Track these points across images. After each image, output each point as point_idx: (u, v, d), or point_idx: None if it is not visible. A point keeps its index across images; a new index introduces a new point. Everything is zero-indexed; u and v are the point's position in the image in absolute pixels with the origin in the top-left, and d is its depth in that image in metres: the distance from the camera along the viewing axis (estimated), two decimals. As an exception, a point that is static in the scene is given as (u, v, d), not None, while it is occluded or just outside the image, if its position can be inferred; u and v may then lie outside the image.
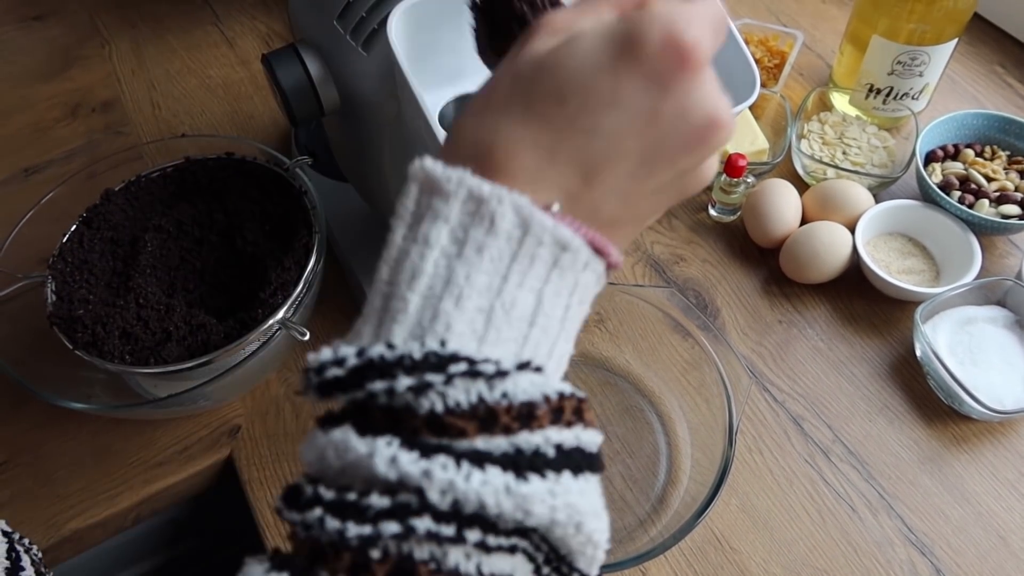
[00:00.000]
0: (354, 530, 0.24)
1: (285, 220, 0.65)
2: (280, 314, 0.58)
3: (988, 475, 0.61)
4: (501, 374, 0.25)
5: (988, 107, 0.84)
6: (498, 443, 0.25)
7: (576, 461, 0.26)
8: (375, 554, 0.24)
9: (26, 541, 0.48)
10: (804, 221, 0.73)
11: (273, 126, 0.86)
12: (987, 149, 0.75)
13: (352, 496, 0.25)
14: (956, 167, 0.74)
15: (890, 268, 0.70)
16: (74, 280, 0.62)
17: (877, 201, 0.72)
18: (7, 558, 0.44)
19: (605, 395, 0.66)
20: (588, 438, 0.28)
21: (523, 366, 0.26)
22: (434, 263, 0.26)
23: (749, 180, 0.73)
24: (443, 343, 0.25)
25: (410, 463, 0.24)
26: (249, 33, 0.97)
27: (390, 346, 0.25)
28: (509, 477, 0.25)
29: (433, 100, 0.50)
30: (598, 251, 0.29)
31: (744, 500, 0.60)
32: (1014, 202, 0.70)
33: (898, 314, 0.69)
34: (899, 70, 0.76)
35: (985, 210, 0.70)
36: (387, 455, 0.24)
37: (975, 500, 0.60)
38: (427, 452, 0.24)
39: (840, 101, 0.82)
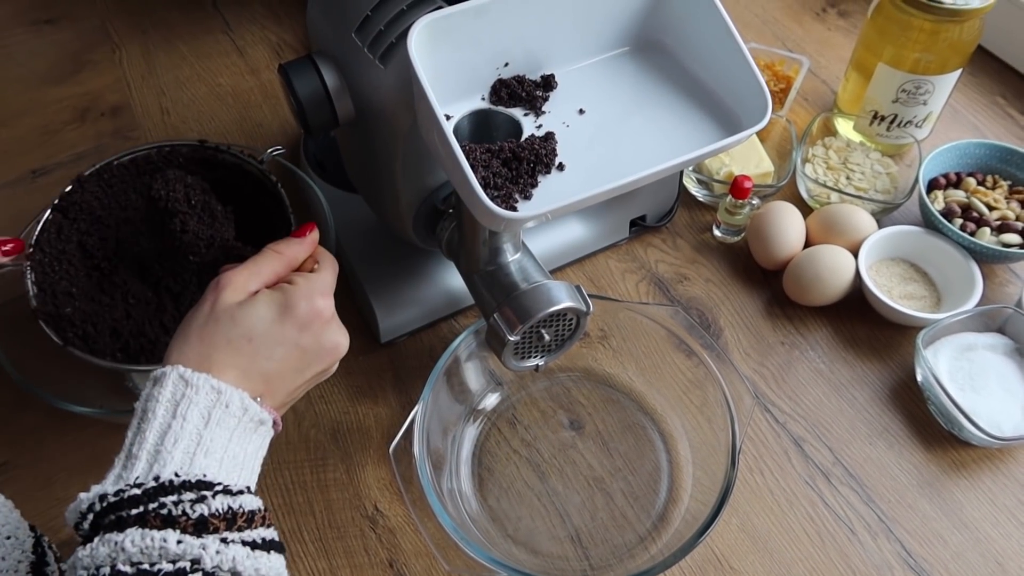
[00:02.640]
0: None
1: (263, 213, 0.64)
2: None
3: (987, 501, 0.61)
4: (241, 492, 0.41)
5: (989, 137, 0.85)
6: (236, 535, 0.39)
7: (276, 545, 0.42)
8: None
9: (46, 538, 0.48)
10: (808, 244, 0.73)
11: (282, 135, 0.87)
12: (989, 178, 0.76)
13: (146, 566, 0.36)
14: (958, 195, 0.75)
15: (892, 293, 0.70)
16: (53, 271, 0.60)
17: (880, 226, 0.73)
18: (33, 552, 0.45)
19: (608, 412, 0.66)
20: (275, 533, 0.42)
21: (249, 490, 0.42)
22: (190, 432, 0.41)
23: (754, 202, 0.74)
24: (204, 475, 0.40)
25: (192, 541, 0.38)
26: (260, 43, 0.98)
27: (176, 475, 0.40)
28: (247, 550, 0.39)
29: (448, 114, 0.51)
30: (275, 421, 0.47)
31: (744, 520, 0.61)
32: (1015, 231, 0.71)
33: (899, 339, 0.70)
34: (903, 98, 0.77)
35: (986, 238, 0.71)
36: (175, 538, 0.37)
37: (973, 526, 0.60)
38: (199, 536, 0.38)
39: (844, 127, 0.83)
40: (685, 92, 0.52)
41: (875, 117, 0.79)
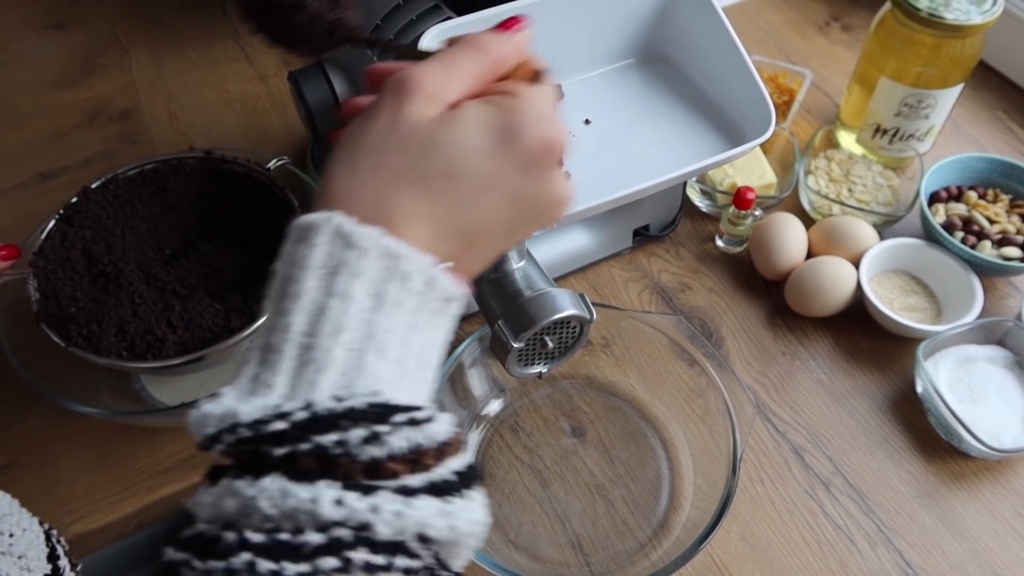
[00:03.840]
0: (291, 569, 0.25)
1: (270, 219, 0.65)
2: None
3: (986, 513, 0.62)
4: (428, 420, 0.28)
5: (990, 151, 0.86)
6: (419, 478, 0.28)
7: (468, 478, 0.30)
8: None
9: (55, 532, 0.49)
10: (809, 255, 0.74)
11: (288, 140, 0.87)
12: (990, 192, 0.77)
13: (284, 536, 0.26)
14: (959, 208, 0.75)
15: (893, 305, 0.71)
16: (57, 277, 0.61)
17: (881, 239, 0.73)
18: (46, 544, 0.45)
19: (609, 419, 0.67)
20: (457, 462, 0.30)
21: (440, 409, 0.30)
22: (355, 318, 0.29)
23: (757, 213, 0.75)
24: (377, 394, 0.28)
25: (356, 500, 0.26)
26: (268, 50, 0.98)
27: (338, 399, 0.27)
28: (438, 502, 0.28)
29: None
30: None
31: (744, 528, 0.61)
32: (1015, 245, 0.71)
33: (899, 350, 0.70)
34: (905, 112, 0.78)
35: (987, 251, 0.71)
36: (331, 497, 0.26)
37: (972, 537, 0.60)
38: (368, 491, 0.27)
39: (847, 139, 0.84)
40: (690, 104, 0.53)
41: (877, 130, 0.80)
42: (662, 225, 0.78)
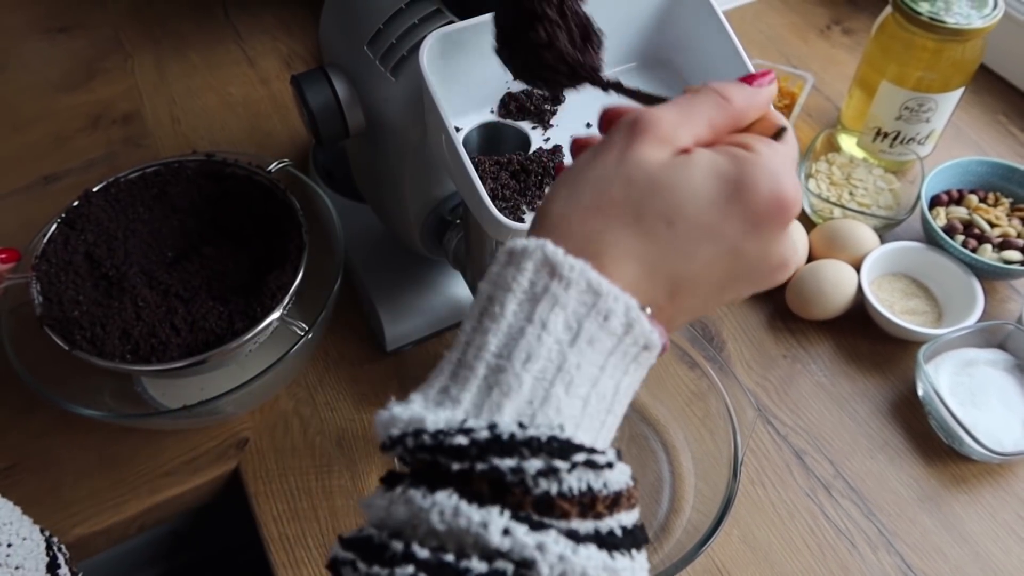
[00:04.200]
0: None
1: (272, 221, 0.65)
2: (278, 312, 0.58)
3: (987, 516, 0.62)
4: (609, 465, 0.28)
5: (991, 155, 0.86)
6: (588, 526, 0.27)
7: (636, 539, 0.29)
8: None
9: (55, 539, 0.49)
10: (811, 259, 0.74)
11: (291, 144, 0.88)
12: (990, 196, 0.77)
13: (449, 557, 0.25)
14: (960, 212, 0.75)
15: (894, 308, 0.71)
16: (60, 281, 0.61)
17: (882, 242, 0.73)
18: (47, 554, 0.45)
19: (610, 422, 0.67)
20: (627, 517, 0.29)
21: (618, 456, 0.29)
22: (548, 348, 0.28)
23: (757, 216, 0.75)
24: (561, 428, 0.27)
25: (524, 535, 0.25)
26: (270, 53, 0.99)
27: (521, 426, 0.27)
28: (604, 555, 0.26)
29: (458, 126, 0.51)
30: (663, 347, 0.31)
31: (745, 531, 0.61)
32: (1016, 248, 0.72)
33: (900, 354, 0.71)
34: (906, 115, 0.78)
35: (988, 255, 0.71)
36: (501, 525, 0.25)
37: (973, 540, 0.60)
38: (536, 527, 0.26)
39: (848, 143, 0.84)
40: (691, 107, 0.53)
41: (878, 134, 0.80)
42: (663, 228, 0.78)
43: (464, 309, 0.72)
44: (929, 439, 0.66)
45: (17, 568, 0.41)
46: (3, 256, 0.60)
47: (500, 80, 0.52)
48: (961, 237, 0.73)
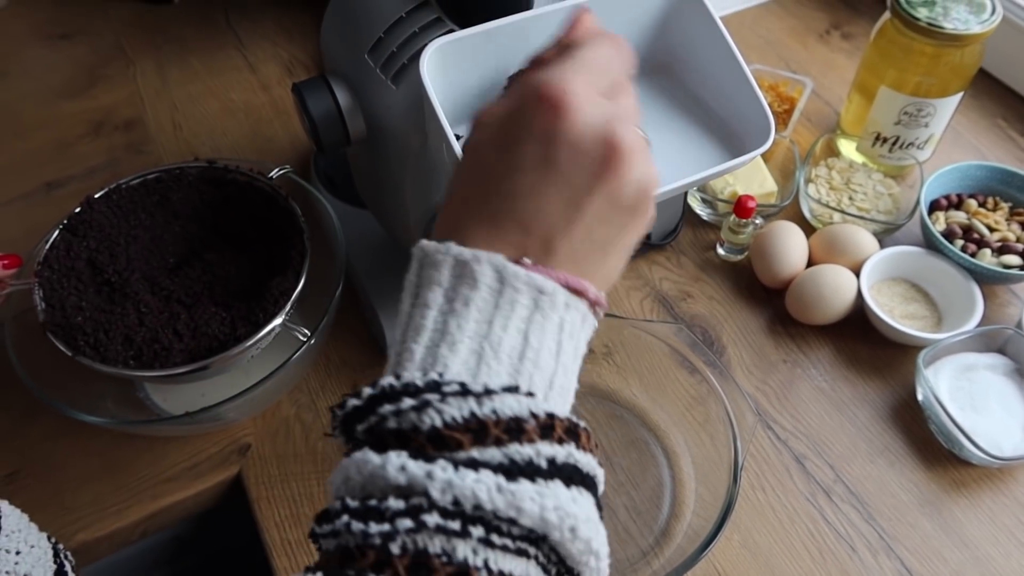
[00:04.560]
0: (375, 528, 0.28)
1: (274, 227, 0.65)
2: (281, 317, 0.59)
3: (987, 520, 0.62)
4: (488, 392, 0.30)
5: (990, 159, 0.86)
6: (492, 453, 0.29)
7: (567, 473, 0.30)
8: (395, 549, 0.28)
9: (61, 546, 0.49)
10: (810, 264, 0.74)
11: (292, 150, 0.88)
12: (990, 200, 0.77)
13: (373, 502, 0.28)
14: (959, 216, 0.76)
15: (893, 313, 0.71)
16: (62, 287, 0.61)
17: (882, 247, 0.73)
18: (54, 561, 0.45)
19: (611, 427, 0.67)
20: (583, 459, 0.31)
21: (510, 388, 0.30)
22: (432, 319, 0.32)
23: (757, 221, 0.75)
24: (440, 375, 0.30)
25: (416, 467, 0.28)
26: (271, 60, 0.99)
27: (397, 377, 0.30)
28: (500, 478, 0.28)
29: (458, 134, 0.52)
30: (577, 292, 0.33)
31: (746, 536, 0.61)
32: (1015, 252, 0.72)
33: (900, 358, 0.71)
34: (905, 120, 0.78)
35: (987, 259, 0.72)
36: (397, 463, 0.28)
37: (973, 545, 0.61)
38: (430, 459, 0.28)
39: (847, 148, 0.84)
40: (690, 114, 0.53)
41: (877, 139, 0.81)
42: (663, 234, 0.79)
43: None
44: (929, 443, 0.66)
45: None
46: (5, 262, 0.60)
47: (500, 88, 0.52)
48: (960, 242, 0.73)
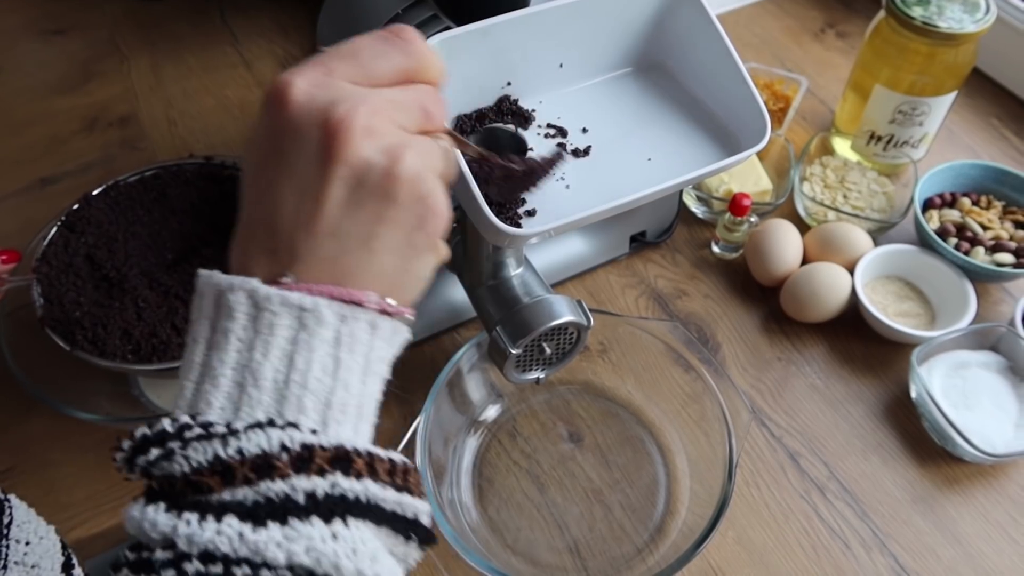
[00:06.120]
0: None
1: None
2: None
3: (979, 517, 0.62)
4: (232, 433, 0.29)
5: (984, 158, 0.86)
6: (244, 493, 0.28)
7: (328, 507, 0.28)
8: None
9: (65, 540, 0.49)
10: (805, 261, 0.75)
11: (287, 147, 0.88)
12: (983, 199, 0.77)
13: (146, 554, 0.28)
14: (953, 215, 0.76)
15: (887, 310, 0.71)
16: (60, 283, 0.61)
17: (876, 245, 0.74)
18: (62, 553, 0.45)
19: (606, 424, 0.67)
20: (354, 487, 0.29)
21: (259, 424, 0.29)
22: (200, 354, 0.31)
23: (752, 219, 0.75)
24: (195, 416, 0.29)
25: (164, 522, 0.28)
26: (266, 56, 0.99)
27: (150, 426, 0.30)
28: (246, 526, 0.27)
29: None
30: (352, 302, 0.31)
31: (740, 533, 0.61)
32: (1008, 251, 0.72)
33: (893, 356, 0.71)
34: (900, 119, 0.78)
35: (980, 257, 0.72)
36: (152, 519, 0.28)
37: (966, 541, 0.61)
38: (181, 510, 0.28)
39: (842, 146, 0.84)
40: (686, 112, 0.53)
41: (872, 137, 0.81)
42: (658, 231, 0.79)
43: (460, 312, 0.72)
44: (922, 441, 0.66)
45: (33, 567, 0.42)
46: (4, 257, 0.60)
47: (496, 85, 0.52)
48: (954, 240, 0.74)
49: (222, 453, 0.28)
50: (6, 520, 0.42)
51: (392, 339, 0.34)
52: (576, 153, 0.51)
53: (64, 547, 0.46)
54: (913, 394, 0.67)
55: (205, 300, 0.32)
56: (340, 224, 0.31)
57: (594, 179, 0.50)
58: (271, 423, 0.29)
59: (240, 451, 0.28)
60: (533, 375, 0.60)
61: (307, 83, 0.31)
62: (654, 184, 0.47)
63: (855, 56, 0.81)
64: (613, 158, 0.51)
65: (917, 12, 0.72)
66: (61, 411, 0.57)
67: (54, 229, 0.63)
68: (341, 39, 0.57)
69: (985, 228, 0.75)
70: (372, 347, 0.32)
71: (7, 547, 0.41)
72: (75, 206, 0.64)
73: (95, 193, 0.65)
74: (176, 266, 0.65)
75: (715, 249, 0.78)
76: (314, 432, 0.30)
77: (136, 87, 0.95)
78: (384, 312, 0.33)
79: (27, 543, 0.43)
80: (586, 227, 0.75)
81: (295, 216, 0.31)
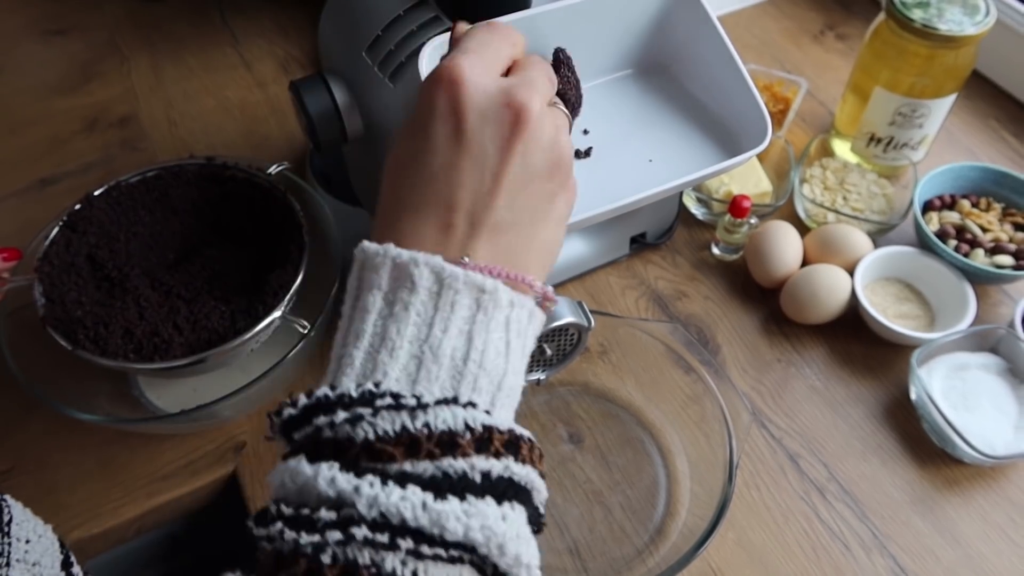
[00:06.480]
0: (306, 539, 0.28)
1: (272, 223, 0.65)
2: (280, 310, 0.59)
3: (979, 518, 0.62)
4: (422, 407, 0.29)
5: (983, 160, 0.86)
6: (424, 467, 0.29)
7: (502, 488, 0.30)
8: (325, 559, 0.28)
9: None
10: (804, 263, 0.75)
11: (288, 148, 0.88)
12: (983, 200, 0.77)
13: (306, 511, 0.28)
14: (952, 217, 0.76)
15: (887, 312, 0.72)
16: (62, 283, 0.61)
17: (876, 247, 0.74)
18: (60, 551, 0.45)
19: (607, 426, 0.67)
20: (520, 472, 0.31)
21: (445, 400, 0.30)
22: (372, 324, 0.32)
23: (752, 221, 0.75)
24: (377, 385, 0.30)
25: (344, 481, 0.28)
26: (267, 57, 0.99)
27: (332, 387, 0.30)
28: (428, 495, 0.28)
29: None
30: (519, 287, 0.33)
31: (740, 534, 0.61)
32: (1008, 253, 0.72)
33: (893, 357, 0.71)
34: (899, 121, 0.79)
35: (980, 259, 0.72)
36: (327, 476, 0.28)
37: (966, 543, 0.61)
38: (360, 473, 0.28)
39: (841, 148, 0.84)
40: (687, 114, 0.54)
41: (872, 139, 0.81)
42: (659, 233, 0.79)
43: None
44: (922, 442, 0.66)
45: (34, 564, 0.42)
46: (5, 255, 0.60)
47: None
48: (954, 242, 0.74)
49: (410, 425, 0.29)
50: (6, 518, 0.42)
51: (538, 327, 0.35)
52: (577, 154, 0.51)
53: (62, 546, 0.46)
54: (913, 396, 0.67)
55: (380, 271, 0.32)
56: (515, 199, 0.33)
57: (595, 180, 0.50)
58: (455, 400, 0.30)
59: (427, 425, 0.29)
60: (533, 376, 0.60)
61: (478, 71, 0.34)
62: (655, 185, 0.47)
63: (855, 58, 0.81)
64: (614, 159, 0.51)
65: (917, 14, 0.72)
66: (61, 411, 0.57)
67: (56, 229, 0.63)
68: (342, 40, 0.57)
69: (984, 230, 0.75)
70: (529, 334, 0.34)
71: (9, 544, 0.41)
72: (77, 206, 0.64)
73: (97, 193, 0.65)
74: (178, 266, 0.65)
75: (715, 251, 0.79)
76: (488, 413, 0.31)
77: (136, 88, 0.95)
78: (546, 298, 0.35)
79: (27, 541, 0.43)
80: (586, 228, 0.75)
81: (476, 192, 0.33)
